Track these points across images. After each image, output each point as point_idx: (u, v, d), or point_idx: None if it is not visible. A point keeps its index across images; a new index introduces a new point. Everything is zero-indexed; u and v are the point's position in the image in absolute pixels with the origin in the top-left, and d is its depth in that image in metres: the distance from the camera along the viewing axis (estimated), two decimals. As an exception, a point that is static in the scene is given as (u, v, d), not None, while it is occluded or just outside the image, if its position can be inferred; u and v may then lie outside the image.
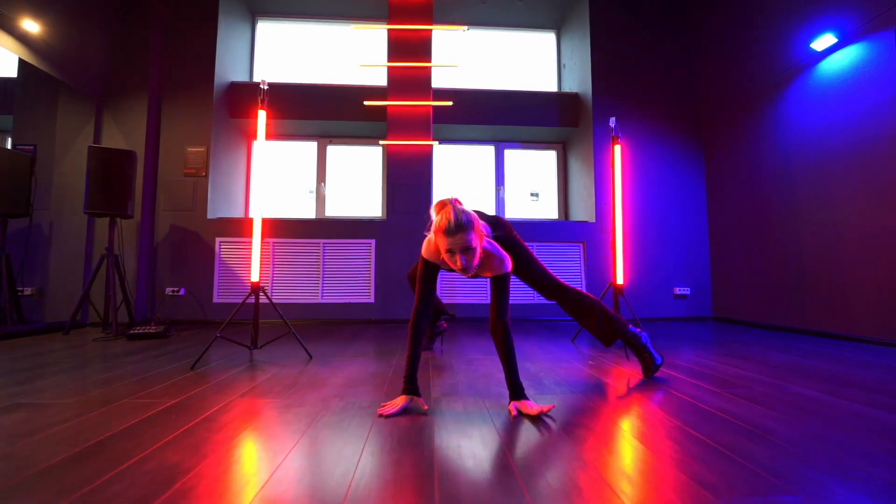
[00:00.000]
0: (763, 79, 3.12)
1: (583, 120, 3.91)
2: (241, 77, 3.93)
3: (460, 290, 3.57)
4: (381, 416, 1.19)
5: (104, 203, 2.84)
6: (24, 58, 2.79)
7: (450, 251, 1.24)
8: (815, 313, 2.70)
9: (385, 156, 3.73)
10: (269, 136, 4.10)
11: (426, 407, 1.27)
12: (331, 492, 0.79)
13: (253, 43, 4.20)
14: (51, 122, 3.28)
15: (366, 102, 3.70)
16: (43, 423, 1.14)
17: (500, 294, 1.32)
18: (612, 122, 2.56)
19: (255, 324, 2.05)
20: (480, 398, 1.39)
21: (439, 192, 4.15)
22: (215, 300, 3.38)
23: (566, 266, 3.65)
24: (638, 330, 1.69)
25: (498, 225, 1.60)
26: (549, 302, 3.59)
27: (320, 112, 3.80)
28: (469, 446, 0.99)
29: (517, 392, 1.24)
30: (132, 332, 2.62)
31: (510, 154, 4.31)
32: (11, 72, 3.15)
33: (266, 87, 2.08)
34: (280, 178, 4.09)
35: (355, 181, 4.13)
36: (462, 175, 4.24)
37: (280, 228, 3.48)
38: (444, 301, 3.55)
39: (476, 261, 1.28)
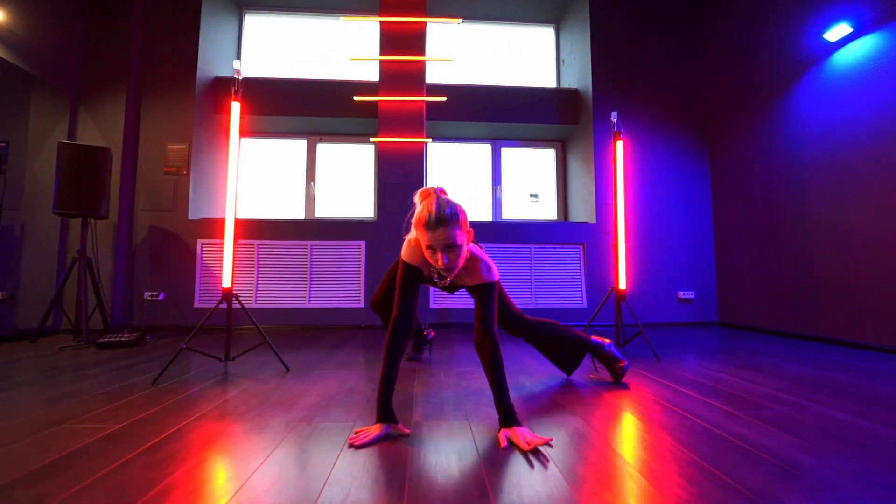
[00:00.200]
0: (772, 72, 2.97)
1: (582, 117, 3.76)
2: (226, 72, 3.77)
3: (452, 294, 3.41)
4: (352, 446, 1.03)
5: (76, 203, 2.68)
6: (-11, 49, 2.63)
7: (430, 248, 1.09)
8: (829, 320, 2.55)
9: (376, 154, 3.57)
10: (256, 134, 3.95)
11: (407, 431, 1.11)
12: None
13: (240, 37, 4.04)
14: (23, 118, 3.12)
15: (356, 98, 3.55)
16: (-46, 456, 0.98)
17: (486, 306, 1.17)
18: (614, 116, 2.41)
19: (227, 334, 1.89)
20: (468, 421, 1.23)
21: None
22: (196, 305, 3.21)
23: (565, 269, 3.50)
24: (599, 339, 1.68)
25: None
26: (546, 306, 3.43)
27: (310, 108, 3.64)
28: (451, 487, 0.84)
29: (508, 418, 1.09)
30: (102, 340, 2.46)
31: (507, 153, 4.15)
32: (-17, 65, 2.99)
33: (241, 77, 1.92)
34: (268, 178, 3.93)
35: (347, 181, 3.97)
36: (457, 174, 4.09)
37: (265, 229, 3.32)
38: (434, 306, 3.39)
39: (461, 261, 1.13)
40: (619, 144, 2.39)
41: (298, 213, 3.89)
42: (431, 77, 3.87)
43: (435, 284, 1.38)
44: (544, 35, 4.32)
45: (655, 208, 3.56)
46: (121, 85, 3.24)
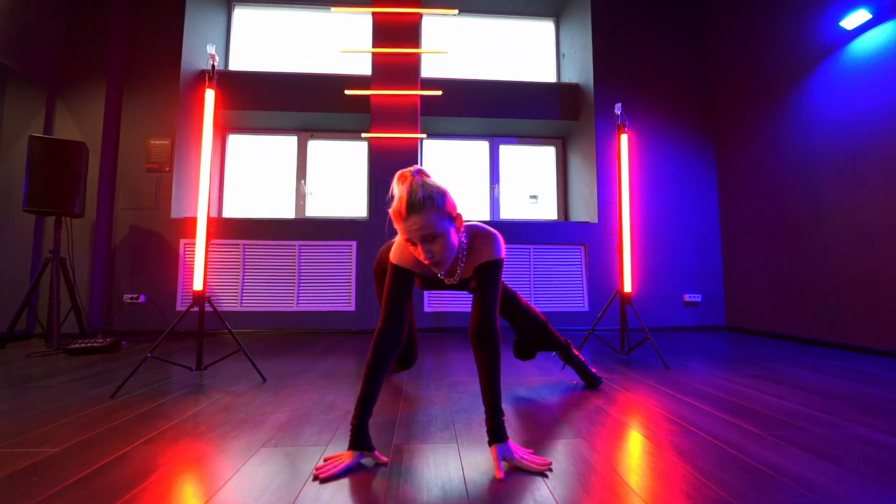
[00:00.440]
0: (784, 63, 2.83)
1: (584, 112, 3.61)
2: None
3: (447, 296, 3.25)
4: (317, 478, 0.88)
5: (48, 200, 2.52)
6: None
7: (409, 241, 0.93)
8: (849, 325, 2.39)
9: (369, 151, 3.42)
10: (245, 130, 3.80)
11: (384, 460, 0.95)
12: None
13: (229, 30, 3.90)
14: (-4, 111, 2.97)
15: (347, 91, 3.40)
16: None
17: (490, 289, 1.00)
18: (618, 108, 2.26)
19: (199, 341, 1.73)
20: (458, 445, 1.07)
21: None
22: (179, 308, 3.06)
23: (566, 271, 3.34)
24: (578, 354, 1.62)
25: None
26: (546, 310, 3.27)
27: (301, 103, 3.49)
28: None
29: (497, 431, 0.93)
30: (72, 346, 2.30)
31: (505, 150, 4.01)
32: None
33: (215, 62, 1.77)
34: (257, 176, 3.78)
35: (338, 179, 3.82)
36: (453, 172, 3.94)
37: (251, 229, 3.17)
38: (428, 309, 3.23)
39: (449, 251, 0.96)
40: (624, 138, 2.24)
41: (288, 213, 3.74)
42: (426, 71, 3.73)
43: (444, 286, 1.22)
44: (544, 28, 4.18)
45: (660, 207, 3.41)
46: (101, 78, 3.09)
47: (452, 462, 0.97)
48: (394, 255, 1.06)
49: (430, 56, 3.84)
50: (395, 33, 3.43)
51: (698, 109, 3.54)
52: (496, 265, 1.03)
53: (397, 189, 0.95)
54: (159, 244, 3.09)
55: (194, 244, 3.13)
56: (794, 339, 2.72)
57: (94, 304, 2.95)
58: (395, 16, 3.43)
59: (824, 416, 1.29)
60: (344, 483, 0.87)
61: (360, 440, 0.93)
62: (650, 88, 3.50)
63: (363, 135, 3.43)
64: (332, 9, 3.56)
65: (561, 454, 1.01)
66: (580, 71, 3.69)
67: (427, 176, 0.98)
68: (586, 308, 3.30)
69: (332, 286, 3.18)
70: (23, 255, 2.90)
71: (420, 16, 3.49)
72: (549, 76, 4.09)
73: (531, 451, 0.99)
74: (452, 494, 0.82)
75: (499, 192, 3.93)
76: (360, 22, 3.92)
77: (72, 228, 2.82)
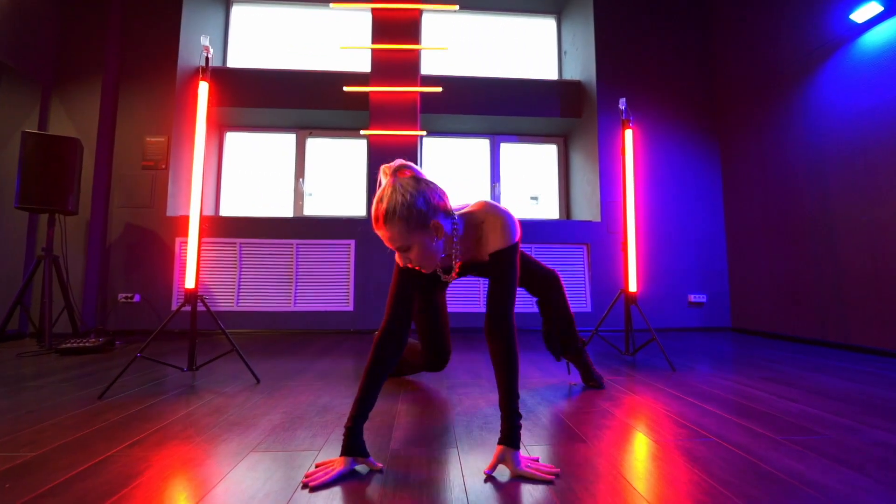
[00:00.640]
0: (791, 58, 2.77)
1: (586, 110, 3.56)
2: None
3: (449, 294, 3.20)
4: (306, 486, 0.83)
5: (40, 197, 2.48)
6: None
7: (388, 243, 0.89)
8: (859, 327, 2.33)
9: (368, 148, 3.38)
10: (243, 128, 3.76)
11: (378, 466, 0.90)
12: None
13: (227, 27, 3.86)
14: (-10, 107, 2.93)
15: (346, 88, 3.36)
16: None
17: (504, 278, 0.94)
18: (622, 103, 2.21)
19: (191, 340, 1.68)
20: (458, 450, 1.02)
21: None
22: (174, 307, 3.00)
23: (569, 271, 3.29)
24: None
25: None
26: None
27: (299, 100, 3.45)
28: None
29: (511, 435, 0.88)
30: (64, 345, 2.25)
31: (506, 148, 3.96)
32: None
33: (210, 54, 1.72)
34: (255, 174, 3.74)
35: (337, 177, 3.77)
36: (454, 170, 3.89)
37: (248, 227, 3.12)
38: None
39: (426, 258, 0.90)
40: (629, 133, 2.19)
41: (286, 211, 3.70)
42: (427, 68, 3.69)
43: (445, 279, 1.15)
44: (545, 25, 4.13)
45: (664, 206, 3.35)
46: (97, 74, 3.05)
47: (452, 469, 0.92)
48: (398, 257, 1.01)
49: (431, 53, 3.80)
50: (395, 29, 3.39)
51: (702, 106, 3.49)
52: (508, 252, 0.96)
53: (378, 188, 0.90)
54: (155, 242, 3.04)
55: (191, 243, 3.08)
56: (800, 340, 2.67)
57: (88, 303, 2.90)
58: (394, 12, 3.39)
59: (842, 420, 1.23)
60: (336, 491, 0.82)
61: (353, 445, 0.87)
62: (653, 85, 3.45)
63: (362, 132, 3.39)
64: (332, 5, 3.51)
65: (565, 458, 0.96)
66: (582, 68, 3.64)
67: (406, 174, 0.89)
68: (589, 308, 3.24)
69: (329, 286, 3.13)
70: (16, 252, 2.85)
71: (420, 12, 3.44)
72: (551, 73, 4.05)
73: (537, 458, 0.93)
74: (453, 502, 0.77)
75: (500, 191, 3.87)
76: (360, 18, 3.88)
77: (65, 226, 2.78)
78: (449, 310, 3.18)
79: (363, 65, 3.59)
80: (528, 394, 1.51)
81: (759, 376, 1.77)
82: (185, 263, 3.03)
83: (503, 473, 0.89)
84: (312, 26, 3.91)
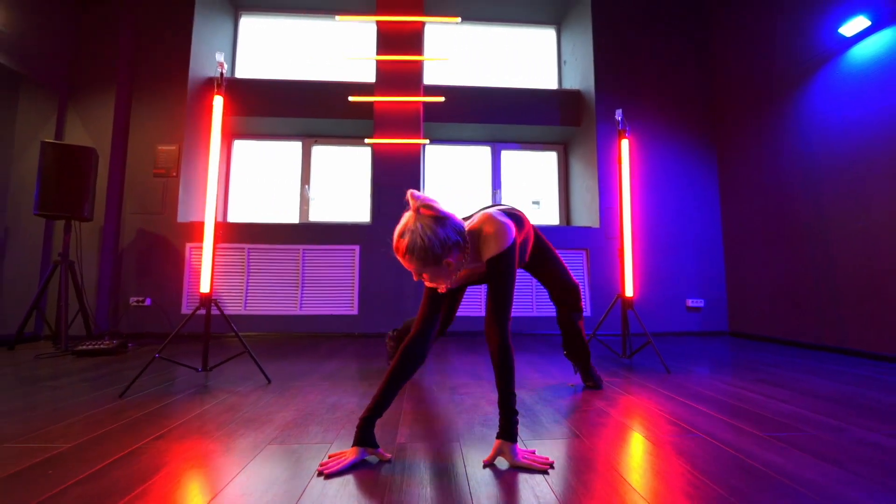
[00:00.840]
0: (784, 69, 2.85)
1: (585, 118, 3.65)
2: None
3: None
4: (321, 474, 0.90)
5: (57, 204, 2.57)
6: (-27, 45, 2.55)
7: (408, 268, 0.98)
8: (855, 331, 2.39)
9: (372, 156, 3.47)
10: (250, 136, 3.86)
11: (387, 457, 0.97)
12: None
13: (235, 38, 3.97)
14: (9, 117, 3.03)
15: (351, 98, 3.45)
16: None
17: (498, 283, 1.02)
18: (619, 114, 2.29)
19: (205, 342, 1.76)
20: (460, 444, 1.09)
21: (430, 195, 3.87)
22: (184, 310, 3.09)
23: (568, 275, 3.35)
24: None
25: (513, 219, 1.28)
26: (548, 315, 3.28)
27: (305, 109, 3.55)
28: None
29: (508, 429, 0.96)
30: (80, 347, 2.33)
31: (507, 155, 4.04)
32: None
33: (224, 69, 1.81)
34: (262, 180, 3.83)
35: (342, 184, 3.86)
36: (455, 177, 3.97)
37: (256, 233, 3.21)
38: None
39: (443, 279, 1.00)
40: (625, 143, 2.27)
41: (293, 217, 3.78)
42: (429, 78, 3.78)
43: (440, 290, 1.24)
44: (545, 36, 4.23)
45: (662, 213, 3.42)
46: (110, 85, 3.16)
47: (455, 460, 0.98)
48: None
49: (433, 63, 3.90)
50: (399, 41, 3.49)
51: (700, 115, 3.57)
52: (502, 257, 1.04)
53: (405, 215, 0.97)
54: (165, 248, 3.13)
55: (200, 248, 3.17)
56: (797, 344, 2.72)
57: (101, 307, 2.99)
58: (398, 24, 3.49)
59: (827, 419, 1.29)
60: (348, 479, 0.89)
61: (365, 437, 0.95)
62: (651, 95, 3.54)
63: (367, 140, 3.48)
64: (338, 17, 3.62)
65: (563, 454, 1.03)
66: (581, 77, 3.73)
67: (428, 213, 0.96)
68: (588, 313, 3.30)
69: (335, 290, 3.21)
70: (32, 258, 2.94)
71: (423, 24, 3.54)
72: (551, 83, 4.14)
73: (533, 451, 1.00)
74: (455, 490, 0.84)
75: (501, 198, 3.95)
76: (365, 30, 3.99)
77: (80, 232, 2.87)
78: (458, 314, 3.25)
79: (368, 75, 3.69)
80: (527, 394, 1.58)
81: (752, 378, 1.83)
82: (194, 268, 3.11)
83: (502, 465, 0.95)
84: (318, 37, 4.02)
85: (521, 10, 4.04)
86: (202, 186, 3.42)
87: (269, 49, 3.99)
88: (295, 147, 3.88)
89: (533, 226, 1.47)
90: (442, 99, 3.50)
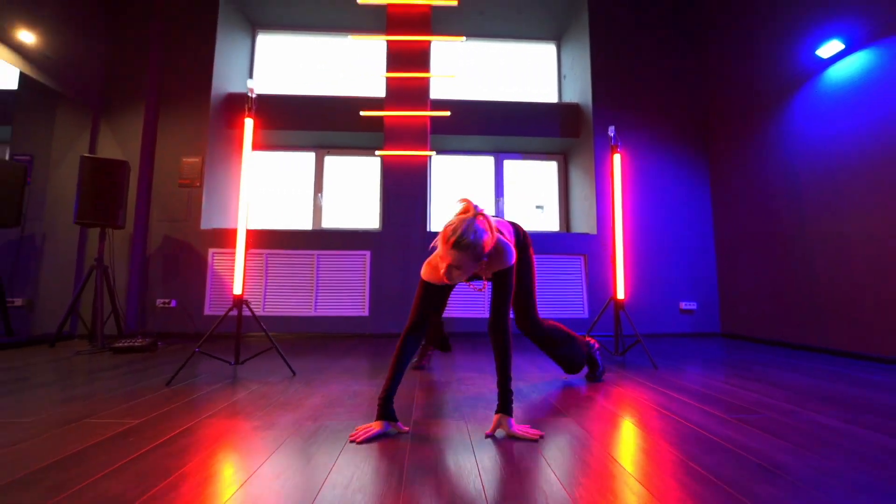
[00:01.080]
0: (768, 87, 3.04)
1: (583, 130, 3.85)
2: (239, 88, 3.93)
3: (454, 303, 3.46)
4: (353, 441, 1.10)
5: (95, 213, 2.80)
6: (19, 68, 2.80)
7: (443, 258, 1.16)
8: (833, 330, 2.56)
9: (382, 166, 3.68)
10: (266, 147, 4.09)
11: (405, 429, 1.17)
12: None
13: (253, 55, 4.22)
14: (48, 132, 3.28)
15: (363, 113, 3.68)
16: (-13, 446, 1.06)
17: (503, 291, 1.25)
18: (611, 130, 2.49)
19: (237, 338, 1.96)
20: (465, 422, 1.28)
21: (436, 204, 4.08)
22: (207, 312, 3.31)
23: (567, 279, 3.54)
24: (590, 342, 1.86)
25: (517, 235, 1.58)
26: (548, 316, 3.47)
27: (318, 123, 3.78)
28: (446, 481, 0.89)
29: (505, 404, 1.17)
30: (117, 345, 2.55)
31: (510, 165, 4.25)
32: (12, 84, 3.17)
33: (254, 95, 2.03)
34: (277, 189, 4.06)
35: (353, 192, 4.08)
36: (460, 185, 4.18)
37: (273, 239, 3.42)
38: (441, 315, 3.44)
39: (462, 278, 1.20)
40: (617, 158, 2.46)
41: (306, 224, 4.00)
42: (436, 93, 4.00)
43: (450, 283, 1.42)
44: (546, 51, 4.44)
45: (657, 219, 3.61)
46: (139, 101, 3.40)
47: (461, 432, 1.18)
48: (424, 273, 1.29)
49: (440, 79, 4.12)
50: (408, 59, 3.71)
51: (692, 128, 3.76)
52: (508, 272, 1.26)
53: (455, 215, 1.16)
54: (189, 253, 3.35)
55: (222, 253, 3.39)
56: (785, 344, 2.89)
57: (131, 308, 3.21)
58: (407, 43, 3.72)
59: (786, 405, 1.48)
60: (375, 445, 1.08)
61: (386, 412, 1.15)
62: (646, 107, 3.73)
63: (377, 152, 3.70)
64: (351, 36, 3.85)
65: (558, 435, 1.22)
66: (580, 91, 3.93)
67: (486, 218, 1.16)
68: (586, 315, 3.49)
69: (347, 293, 3.41)
70: (67, 263, 3.18)
71: (430, 43, 3.77)
72: (552, 96, 4.35)
73: (528, 425, 1.20)
74: (461, 453, 1.03)
75: (503, 205, 4.15)
76: (376, 48, 4.22)
77: (113, 239, 3.09)
78: (458, 316, 3.45)
79: (378, 91, 3.92)
80: (525, 385, 1.77)
81: (731, 374, 2.01)
82: (216, 272, 3.33)
83: (500, 436, 1.15)
84: (331, 55, 4.25)
85: (523, 27, 4.26)
86: (224, 195, 3.66)
87: (284, 65, 4.23)
88: (309, 157, 4.11)
89: (530, 250, 1.63)
90: (448, 113, 3.71)
